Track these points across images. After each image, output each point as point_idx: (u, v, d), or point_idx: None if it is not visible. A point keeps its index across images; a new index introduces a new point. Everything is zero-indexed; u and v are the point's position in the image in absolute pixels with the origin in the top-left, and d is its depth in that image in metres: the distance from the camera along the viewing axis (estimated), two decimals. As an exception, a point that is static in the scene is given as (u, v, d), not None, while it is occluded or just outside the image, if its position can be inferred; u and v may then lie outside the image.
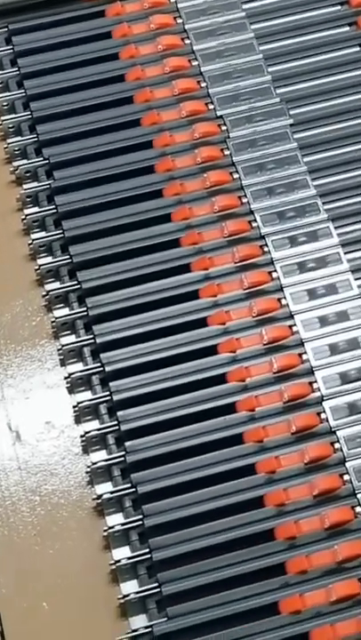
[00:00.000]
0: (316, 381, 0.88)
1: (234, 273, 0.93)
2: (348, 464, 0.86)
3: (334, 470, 0.85)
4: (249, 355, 0.90)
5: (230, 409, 0.88)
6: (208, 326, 0.91)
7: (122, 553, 0.84)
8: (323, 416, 0.88)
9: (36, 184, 0.98)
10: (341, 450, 0.86)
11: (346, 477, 0.85)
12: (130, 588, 0.83)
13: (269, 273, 0.93)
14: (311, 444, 0.86)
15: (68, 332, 0.92)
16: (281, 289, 0.92)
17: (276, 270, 0.93)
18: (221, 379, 0.89)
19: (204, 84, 1.02)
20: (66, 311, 0.93)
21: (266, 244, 0.94)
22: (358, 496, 0.84)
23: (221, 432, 0.87)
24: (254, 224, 0.95)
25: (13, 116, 1.01)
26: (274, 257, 0.94)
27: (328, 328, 0.91)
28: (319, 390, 0.88)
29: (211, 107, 1.01)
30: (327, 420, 0.87)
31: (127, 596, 0.82)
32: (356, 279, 0.92)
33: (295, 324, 0.91)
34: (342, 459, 0.86)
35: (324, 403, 0.88)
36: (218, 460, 0.86)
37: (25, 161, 0.99)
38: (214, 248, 0.94)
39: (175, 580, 0.82)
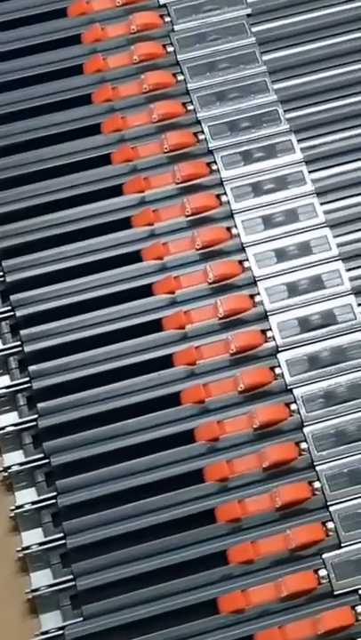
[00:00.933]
0: (270, 329, 0.75)
1: (175, 196, 0.78)
2: (306, 429, 0.73)
3: (290, 437, 0.72)
4: (190, 297, 0.76)
5: (166, 362, 0.74)
6: (142, 261, 0.77)
7: (32, 537, 0.71)
8: (277, 371, 0.74)
9: None
10: (299, 412, 0.74)
11: (303, 446, 0.72)
12: (41, 579, 0.70)
13: (217, 196, 0.78)
14: (262, 404, 0.73)
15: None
16: (231, 216, 0.78)
17: (225, 193, 0.79)
18: (156, 326, 0.76)
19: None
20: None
21: (214, 162, 0.80)
22: (318, 469, 0.72)
23: (154, 391, 0.73)
24: (201, 136, 0.80)
25: None
26: (223, 176, 0.79)
27: (286, 264, 0.76)
28: (274, 340, 0.75)
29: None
30: (282, 376, 0.74)
31: (37, 590, 0.69)
32: (323, 204, 0.78)
33: (247, 259, 0.77)
34: (299, 423, 0.74)
35: (279, 355, 0.75)
36: (148, 425, 0.72)
37: None
38: (151, 166, 0.79)
39: (93, 571, 0.68)
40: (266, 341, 0.74)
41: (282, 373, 0.73)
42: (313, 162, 0.79)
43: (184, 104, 0.81)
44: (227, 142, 0.79)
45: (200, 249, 0.76)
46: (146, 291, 0.76)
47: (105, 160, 0.80)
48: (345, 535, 0.69)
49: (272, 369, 0.73)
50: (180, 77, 0.81)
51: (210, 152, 0.79)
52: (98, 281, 0.76)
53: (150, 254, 0.77)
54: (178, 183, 0.78)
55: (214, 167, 0.79)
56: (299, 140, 0.79)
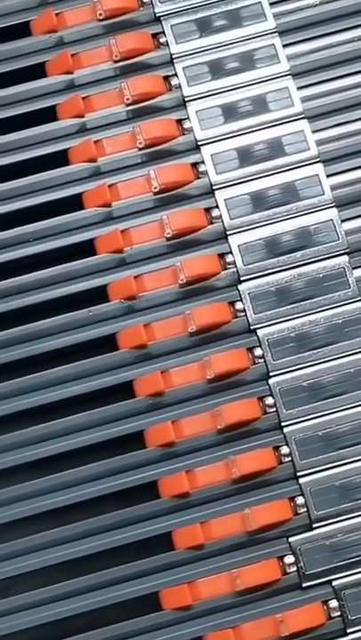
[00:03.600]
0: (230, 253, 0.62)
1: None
2: (272, 381, 0.62)
3: (252, 391, 0.61)
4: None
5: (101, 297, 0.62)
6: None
7: None
8: (238, 306, 0.62)
9: None
10: (264, 359, 0.62)
11: (269, 401, 0.61)
12: None
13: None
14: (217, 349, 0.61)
15: None
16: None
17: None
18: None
19: None
20: None
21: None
22: (286, 430, 0.61)
23: (87, 331, 0.62)
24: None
25: None
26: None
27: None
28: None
29: None
30: (245, 314, 0.62)
31: None
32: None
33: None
34: (265, 373, 0.62)
35: (239, 286, 0.62)
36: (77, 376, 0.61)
37: None
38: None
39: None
40: (225, 269, 0.62)
41: (244, 309, 0.61)
42: None
43: None
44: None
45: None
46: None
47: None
48: (318, 514, 0.59)
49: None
50: None
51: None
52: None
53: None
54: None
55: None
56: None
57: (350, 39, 0.65)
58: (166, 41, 0.64)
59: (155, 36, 0.64)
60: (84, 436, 0.59)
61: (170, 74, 0.63)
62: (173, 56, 0.64)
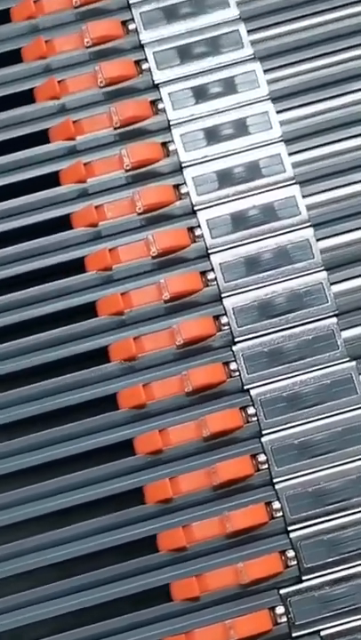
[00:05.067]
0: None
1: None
2: (264, 439, 0.64)
3: (245, 449, 0.63)
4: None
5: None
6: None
7: None
8: (232, 366, 0.65)
9: None
10: (257, 418, 0.65)
11: (261, 459, 0.64)
12: None
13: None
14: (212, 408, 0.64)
15: None
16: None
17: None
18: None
19: None
20: None
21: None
22: (277, 487, 0.63)
23: (89, 391, 0.64)
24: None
25: None
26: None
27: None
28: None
29: None
30: (239, 374, 0.66)
31: None
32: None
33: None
34: (257, 431, 0.64)
35: (234, 347, 0.65)
36: (74, 432, 0.63)
37: None
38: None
39: None
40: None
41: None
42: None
43: None
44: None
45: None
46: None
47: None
48: (307, 567, 0.62)
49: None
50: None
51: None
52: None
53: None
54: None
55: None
56: None
57: (343, 105, 0.69)
58: (164, 107, 0.68)
59: (153, 102, 0.68)
60: (85, 492, 0.62)
61: (168, 140, 0.67)
62: (171, 122, 0.68)
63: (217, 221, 0.65)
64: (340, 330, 0.64)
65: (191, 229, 0.66)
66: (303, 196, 0.66)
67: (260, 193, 0.66)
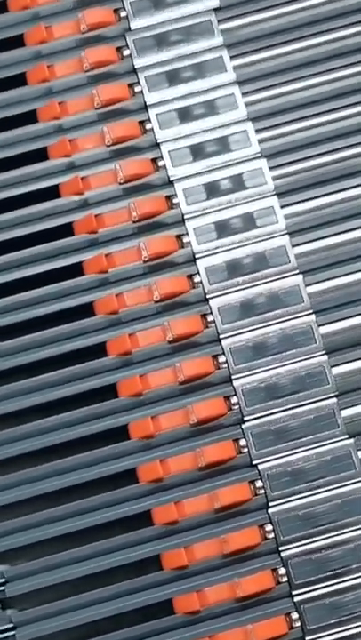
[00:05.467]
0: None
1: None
2: (271, 510, 0.69)
3: (253, 520, 0.69)
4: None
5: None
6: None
7: None
8: (242, 443, 0.71)
9: None
10: (264, 490, 0.70)
11: (268, 528, 0.70)
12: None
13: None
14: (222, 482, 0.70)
15: None
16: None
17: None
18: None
19: None
20: None
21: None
22: (283, 554, 0.69)
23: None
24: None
25: None
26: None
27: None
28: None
29: None
30: (248, 450, 0.71)
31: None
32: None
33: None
34: (265, 503, 0.70)
35: (243, 425, 0.71)
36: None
37: None
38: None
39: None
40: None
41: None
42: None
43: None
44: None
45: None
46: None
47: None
48: (310, 629, 0.68)
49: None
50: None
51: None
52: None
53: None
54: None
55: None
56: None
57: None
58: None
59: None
60: (104, 561, 0.68)
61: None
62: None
63: (227, 309, 0.72)
64: (340, 409, 0.71)
65: (204, 316, 0.72)
66: (306, 285, 0.73)
67: (266, 282, 0.73)
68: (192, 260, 0.73)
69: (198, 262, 0.72)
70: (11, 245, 0.74)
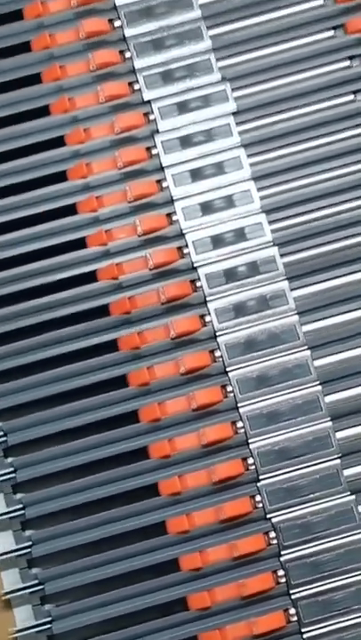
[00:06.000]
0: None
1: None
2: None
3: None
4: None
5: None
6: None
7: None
8: (257, 498, 0.81)
9: None
10: (277, 541, 0.80)
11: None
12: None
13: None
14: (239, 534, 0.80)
15: None
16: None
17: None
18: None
19: None
20: None
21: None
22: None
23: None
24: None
25: None
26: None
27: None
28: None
29: None
30: (262, 504, 0.80)
31: None
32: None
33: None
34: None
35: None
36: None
37: None
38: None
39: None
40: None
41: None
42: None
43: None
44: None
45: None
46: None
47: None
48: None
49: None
50: (117, 23, 0.87)
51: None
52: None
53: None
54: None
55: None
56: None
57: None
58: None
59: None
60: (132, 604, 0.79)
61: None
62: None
63: (244, 380, 0.82)
64: (343, 469, 0.81)
65: (224, 387, 0.82)
66: (314, 359, 0.83)
67: (279, 357, 0.82)
68: (213, 337, 0.83)
69: (219, 339, 0.83)
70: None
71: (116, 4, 0.87)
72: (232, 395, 0.82)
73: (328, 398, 0.82)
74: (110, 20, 0.87)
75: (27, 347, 0.83)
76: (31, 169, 0.85)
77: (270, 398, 0.82)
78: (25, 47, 0.88)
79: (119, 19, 0.87)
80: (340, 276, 0.84)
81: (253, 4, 0.88)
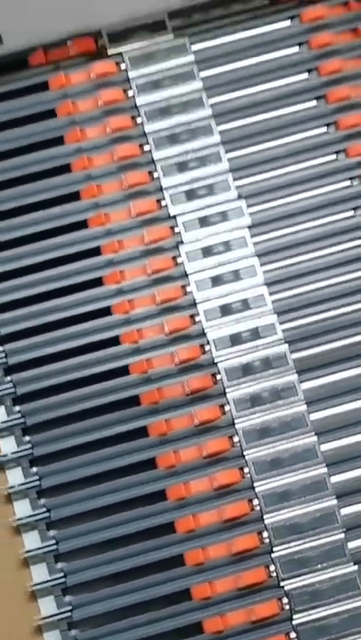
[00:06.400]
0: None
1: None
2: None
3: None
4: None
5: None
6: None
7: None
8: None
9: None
10: (289, 605, 0.90)
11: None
12: None
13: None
14: (256, 599, 0.91)
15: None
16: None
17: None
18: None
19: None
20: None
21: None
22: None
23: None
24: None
25: None
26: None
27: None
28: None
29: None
30: (276, 573, 0.92)
31: None
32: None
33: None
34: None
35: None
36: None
37: None
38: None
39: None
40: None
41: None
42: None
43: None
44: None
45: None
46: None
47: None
48: None
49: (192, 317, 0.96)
50: (147, 147, 1.00)
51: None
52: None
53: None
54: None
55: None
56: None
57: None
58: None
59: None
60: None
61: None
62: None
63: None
64: (347, 541, 0.91)
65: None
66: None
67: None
68: (231, 424, 0.94)
69: (237, 426, 0.94)
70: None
71: (145, 131, 1.01)
72: (248, 475, 0.93)
73: (334, 479, 0.93)
74: (141, 145, 1.01)
75: (69, 432, 0.94)
76: (70, 275, 0.98)
77: (282, 479, 0.93)
78: (66, 168, 1.01)
79: (148, 143, 1.01)
80: (346, 370, 0.95)
81: (265, 132, 1.01)
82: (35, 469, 0.93)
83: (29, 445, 0.94)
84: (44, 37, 1.01)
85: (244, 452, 0.93)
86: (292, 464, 0.93)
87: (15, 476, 0.94)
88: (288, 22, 1.03)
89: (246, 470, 0.93)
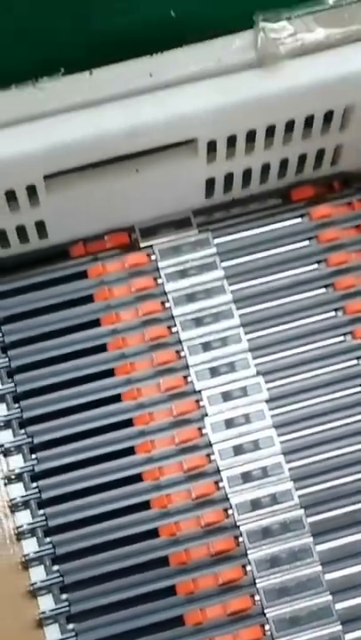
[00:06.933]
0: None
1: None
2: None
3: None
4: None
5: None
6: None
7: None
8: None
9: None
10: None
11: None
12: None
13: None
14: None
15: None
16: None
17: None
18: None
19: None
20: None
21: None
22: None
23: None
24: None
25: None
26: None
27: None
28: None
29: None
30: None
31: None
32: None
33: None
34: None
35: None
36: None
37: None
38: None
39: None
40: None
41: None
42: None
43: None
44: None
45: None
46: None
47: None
48: None
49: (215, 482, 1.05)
50: (175, 329, 1.11)
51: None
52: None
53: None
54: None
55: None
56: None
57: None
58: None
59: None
60: None
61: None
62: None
63: (278, 620, 1.00)
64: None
65: (262, 626, 1.01)
66: (335, 602, 1.02)
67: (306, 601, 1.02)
68: (253, 583, 1.02)
69: (258, 585, 1.02)
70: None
71: (173, 315, 1.12)
72: (269, 633, 1.00)
73: (348, 636, 1.00)
74: (169, 327, 1.12)
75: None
76: (105, 445, 1.07)
77: (299, 637, 1.00)
78: (102, 348, 1.12)
79: (175, 325, 1.12)
80: (359, 533, 1.05)
81: (280, 315, 1.12)
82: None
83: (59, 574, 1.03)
84: (84, 232, 1.15)
85: (265, 611, 1.02)
86: (309, 622, 1.01)
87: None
88: (299, 219, 1.16)
89: (267, 627, 1.01)
